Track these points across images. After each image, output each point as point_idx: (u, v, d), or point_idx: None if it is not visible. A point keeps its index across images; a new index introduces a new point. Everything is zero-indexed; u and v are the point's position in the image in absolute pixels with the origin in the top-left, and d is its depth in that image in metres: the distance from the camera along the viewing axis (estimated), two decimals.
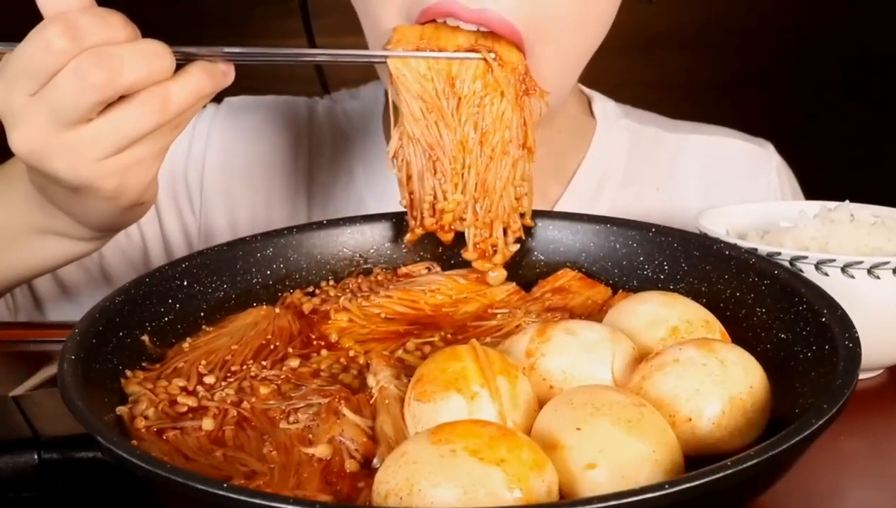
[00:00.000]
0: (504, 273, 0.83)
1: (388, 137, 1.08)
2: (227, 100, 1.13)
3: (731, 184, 1.13)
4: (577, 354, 0.63)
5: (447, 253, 0.85)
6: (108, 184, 0.71)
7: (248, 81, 0.78)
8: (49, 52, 0.66)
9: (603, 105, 1.13)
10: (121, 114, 0.68)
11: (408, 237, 0.83)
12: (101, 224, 0.80)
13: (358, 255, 0.85)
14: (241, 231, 1.09)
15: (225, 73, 0.73)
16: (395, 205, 1.06)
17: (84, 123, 0.68)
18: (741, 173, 1.14)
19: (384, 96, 1.11)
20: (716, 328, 0.68)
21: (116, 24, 0.67)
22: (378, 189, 1.07)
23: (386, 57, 0.80)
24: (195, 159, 1.10)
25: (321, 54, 0.80)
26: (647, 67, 2.22)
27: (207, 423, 0.63)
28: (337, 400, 0.64)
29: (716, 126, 1.18)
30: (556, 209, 1.06)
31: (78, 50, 0.66)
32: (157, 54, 0.68)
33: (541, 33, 0.84)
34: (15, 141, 0.70)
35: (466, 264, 0.85)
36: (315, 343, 0.74)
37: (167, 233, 1.10)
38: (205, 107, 0.99)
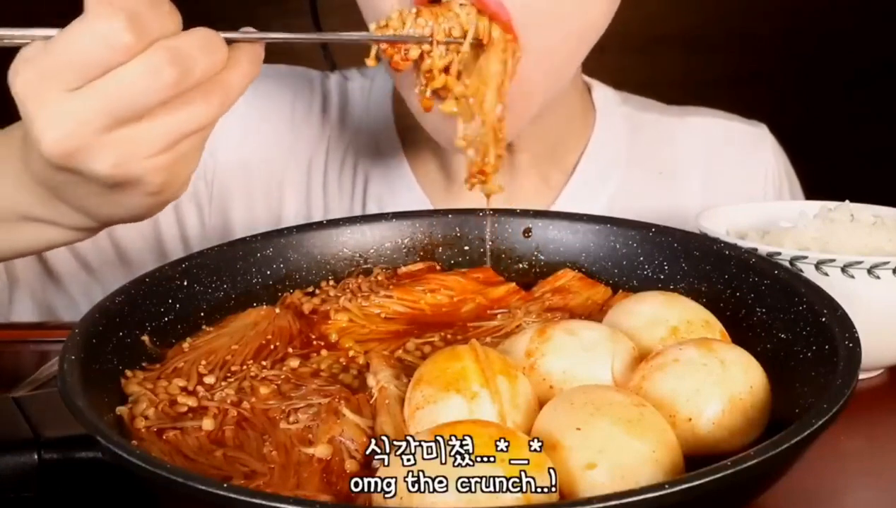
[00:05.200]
0: (499, 186, 0.84)
1: (397, 118, 1.09)
2: None
3: (730, 164, 1.14)
4: (577, 354, 0.63)
5: (447, 252, 0.85)
6: (157, 179, 0.67)
7: None
8: (111, 47, 0.62)
9: (602, 92, 1.14)
10: (185, 109, 0.65)
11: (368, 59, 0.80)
12: (119, 218, 0.75)
13: (358, 255, 0.85)
14: (253, 200, 1.09)
15: (261, 57, 0.72)
16: (402, 184, 1.06)
17: (139, 120, 0.65)
18: (739, 153, 1.15)
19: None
20: (716, 328, 0.68)
21: (169, 14, 0.65)
22: (383, 170, 1.08)
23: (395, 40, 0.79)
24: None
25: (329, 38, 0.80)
26: (647, 67, 2.22)
27: (207, 423, 0.63)
28: (337, 400, 0.64)
29: (711, 109, 1.19)
30: (562, 197, 1.07)
31: (143, 45, 0.62)
32: (217, 46, 0.66)
33: (532, 19, 0.83)
34: (49, 140, 0.64)
35: (466, 265, 0.85)
36: (315, 343, 0.74)
37: (179, 201, 1.08)
38: None
